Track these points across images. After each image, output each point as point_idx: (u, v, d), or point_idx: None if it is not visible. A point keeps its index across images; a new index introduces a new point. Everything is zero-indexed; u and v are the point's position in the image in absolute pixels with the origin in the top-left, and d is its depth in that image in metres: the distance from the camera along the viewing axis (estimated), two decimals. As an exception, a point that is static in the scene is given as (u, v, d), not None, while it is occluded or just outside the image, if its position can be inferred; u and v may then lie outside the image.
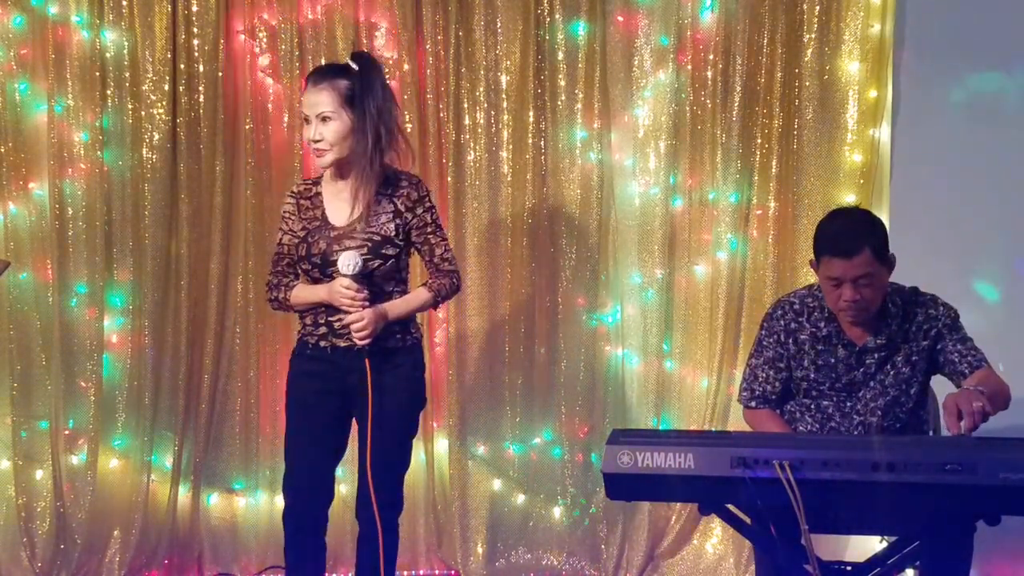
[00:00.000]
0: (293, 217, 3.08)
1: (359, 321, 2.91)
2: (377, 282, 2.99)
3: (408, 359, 3.08)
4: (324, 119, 2.94)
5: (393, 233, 3.00)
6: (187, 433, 4.06)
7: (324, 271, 3.00)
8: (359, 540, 3.12)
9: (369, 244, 2.97)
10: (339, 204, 3.04)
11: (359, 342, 2.93)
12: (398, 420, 3.06)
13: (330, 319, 3.02)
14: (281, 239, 3.11)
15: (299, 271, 3.09)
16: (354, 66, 2.98)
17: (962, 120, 3.86)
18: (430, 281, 3.11)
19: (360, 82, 2.96)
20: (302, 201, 3.08)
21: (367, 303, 2.94)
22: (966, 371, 2.85)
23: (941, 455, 2.23)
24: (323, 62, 3.97)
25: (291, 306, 3.09)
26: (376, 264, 2.98)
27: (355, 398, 3.03)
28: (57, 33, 3.96)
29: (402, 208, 3.03)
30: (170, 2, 3.93)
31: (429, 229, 3.08)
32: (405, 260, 3.10)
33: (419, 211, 3.06)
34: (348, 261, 2.91)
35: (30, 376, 4.05)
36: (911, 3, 3.87)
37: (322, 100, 2.94)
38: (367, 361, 2.93)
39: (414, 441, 4.04)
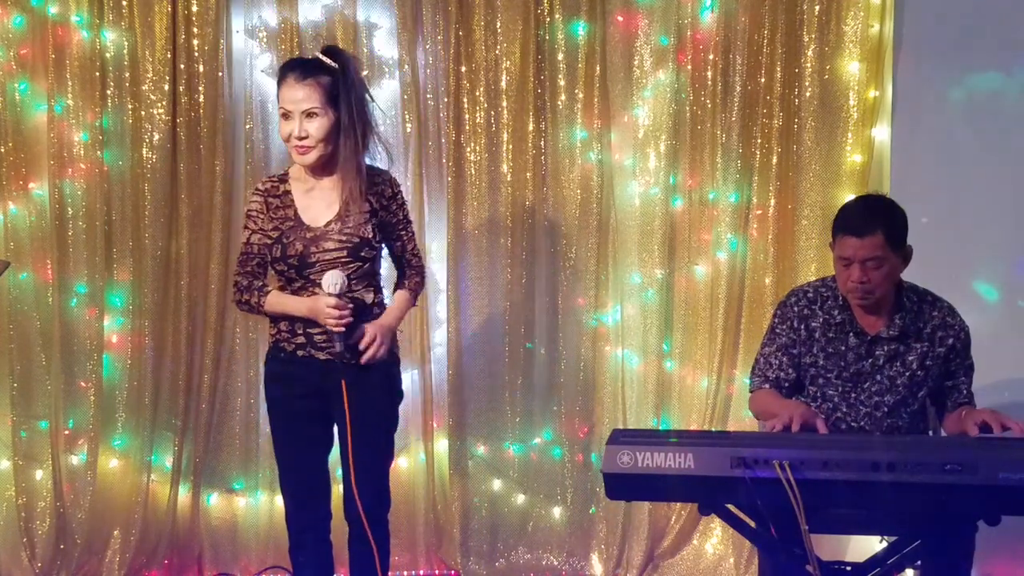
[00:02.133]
0: (262, 216, 3.02)
1: (373, 345, 2.93)
2: (355, 287, 2.97)
3: (385, 357, 3.06)
4: (309, 115, 2.89)
5: (371, 235, 2.98)
6: (187, 433, 4.06)
7: (301, 272, 2.96)
8: (350, 539, 3.12)
9: (348, 247, 2.95)
10: (311, 203, 3.00)
11: (367, 360, 2.95)
12: (379, 417, 3.04)
13: (309, 330, 2.98)
14: (249, 239, 3.04)
15: (271, 271, 3.05)
16: (331, 63, 2.93)
17: (961, 120, 3.86)
18: (406, 282, 3.15)
19: (343, 79, 2.92)
20: (270, 199, 3.02)
21: (352, 319, 2.93)
22: (962, 401, 2.94)
23: (941, 455, 2.24)
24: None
25: (264, 313, 3.04)
26: (354, 267, 2.96)
27: (335, 399, 3.01)
28: (57, 33, 3.96)
29: (377, 207, 3.01)
30: (170, 2, 3.93)
31: (400, 225, 3.09)
32: (379, 262, 3.09)
33: (392, 207, 3.05)
34: (333, 280, 2.87)
35: (30, 376, 4.05)
36: (911, 3, 3.87)
37: (307, 96, 2.88)
38: (343, 383, 2.93)
39: (414, 441, 4.08)
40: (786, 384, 3.01)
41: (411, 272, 3.15)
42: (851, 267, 2.84)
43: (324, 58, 2.95)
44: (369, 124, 2.99)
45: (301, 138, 2.91)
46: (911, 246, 2.89)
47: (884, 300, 2.92)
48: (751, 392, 3.09)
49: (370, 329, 2.96)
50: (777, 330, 3.04)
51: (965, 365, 2.96)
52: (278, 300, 3.01)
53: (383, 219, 3.03)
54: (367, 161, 3.03)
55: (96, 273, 4.00)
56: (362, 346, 2.95)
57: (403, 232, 3.10)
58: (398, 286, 3.16)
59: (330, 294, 2.87)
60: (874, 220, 2.82)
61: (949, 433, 2.93)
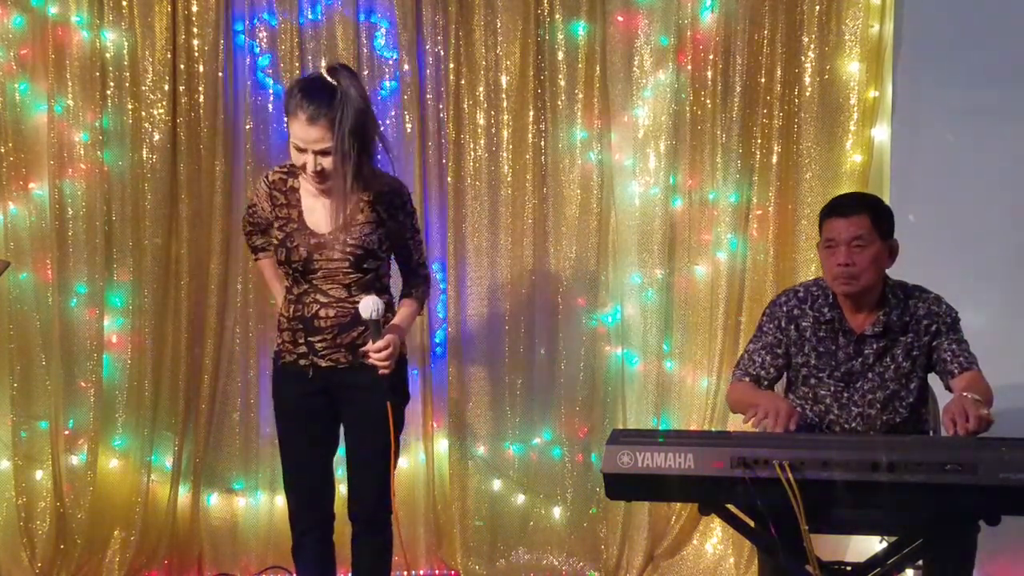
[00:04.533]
0: (265, 203, 3.03)
1: (385, 351, 2.89)
2: (355, 293, 2.96)
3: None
4: (323, 153, 2.83)
5: (376, 245, 2.97)
6: (187, 433, 4.06)
7: (305, 276, 2.97)
8: (353, 539, 3.11)
9: (351, 258, 2.94)
10: (318, 207, 2.98)
11: (383, 371, 2.92)
12: (384, 419, 3.02)
13: (310, 339, 2.98)
14: (252, 206, 3.12)
15: (274, 252, 3.06)
16: (332, 81, 2.83)
17: (962, 120, 3.86)
18: (412, 291, 3.11)
19: (341, 109, 2.80)
20: (275, 193, 3.01)
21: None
22: (955, 371, 2.90)
23: (941, 455, 2.23)
24: (323, 62, 3.97)
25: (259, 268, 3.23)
26: (355, 277, 2.96)
27: (340, 397, 3.02)
28: (57, 33, 3.96)
29: (385, 216, 2.98)
30: (170, 2, 3.93)
31: (408, 235, 3.06)
32: (386, 268, 3.07)
33: (400, 217, 3.02)
34: (371, 307, 2.84)
35: (30, 376, 4.05)
36: (911, 3, 3.87)
37: (321, 136, 2.81)
38: (389, 405, 2.92)
39: (414, 441, 4.08)
40: (765, 382, 3.04)
41: (418, 281, 3.13)
42: (836, 250, 2.87)
43: (327, 77, 2.84)
44: (371, 140, 2.90)
45: (319, 172, 2.87)
46: (897, 241, 2.91)
47: (869, 292, 2.93)
48: (731, 383, 3.12)
49: (390, 338, 2.92)
50: (764, 328, 3.07)
51: (952, 339, 2.94)
52: (267, 271, 3.26)
53: (390, 228, 3.01)
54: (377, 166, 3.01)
55: (96, 273, 4.00)
56: (376, 354, 2.91)
57: (410, 241, 3.07)
58: (404, 295, 3.14)
59: (371, 319, 2.85)
60: (861, 203, 2.93)
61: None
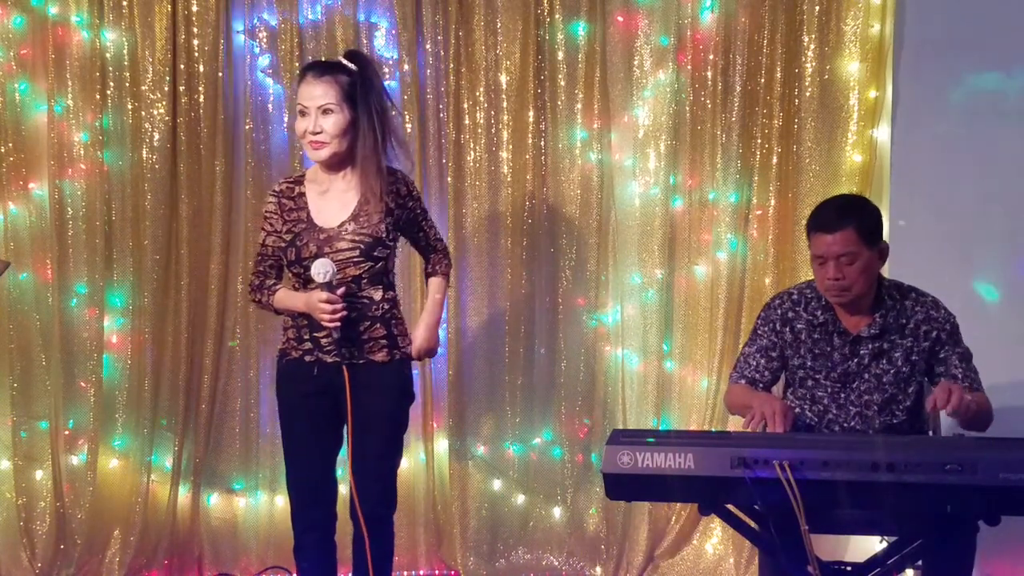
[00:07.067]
0: (275, 216, 3.03)
1: (329, 304, 2.87)
2: (365, 287, 2.97)
3: (394, 364, 3.06)
4: (325, 111, 2.91)
5: (384, 234, 2.98)
6: (187, 433, 4.06)
7: None
8: (354, 539, 3.11)
9: (361, 247, 2.95)
10: (325, 205, 3.00)
11: (328, 325, 2.91)
12: (388, 417, 3.04)
13: (315, 334, 2.98)
14: (264, 240, 3.06)
15: (284, 272, 3.07)
16: (351, 65, 2.97)
17: (962, 120, 3.86)
18: (437, 268, 3.20)
19: (362, 80, 2.95)
20: (284, 201, 3.03)
21: (347, 313, 2.90)
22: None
23: (941, 455, 2.24)
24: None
25: (276, 311, 3.08)
26: (367, 267, 2.96)
27: (343, 395, 3.00)
28: (57, 33, 3.96)
29: (392, 206, 3.01)
30: (170, 2, 3.94)
31: (420, 218, 3.13)
32: (393, 261, 3.09)
33: (409, 204, 3.07)
34: (321, 269, 2.85)
35: (30, 376, 4.05)
36: (911, 3, 3.86)
37: (324, 92, 2.91)
38: (346, 373, 2.93)
39: (414, 441, 4.08)
40: (760, 384, 3.05)
41: (438, 256, 3.21)
42: (826, 265, 2.87)
43: (345, 61, 2.98)
44: (388, 126, 3.01)
45: (315, 133, 2.92)
46: (887, 243, 2.91)
47: (864, 298, 2.92)
48: (728, 386, 3.13)
49: (419, 340, 3.10)
50: (759, 331, 3.07)
51: (956, 352, 2.94)
52: (284, 297, 3.04)
53: (402, 217, 3.05)
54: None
55: (96, 273, 4.00)
56: (419, 355, 3.07)
57: (423, 223, 3.15)
58: (430, 273, 3.22)
59: (320, 284, 2.87)
60: (845, 215, 2.86)
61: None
